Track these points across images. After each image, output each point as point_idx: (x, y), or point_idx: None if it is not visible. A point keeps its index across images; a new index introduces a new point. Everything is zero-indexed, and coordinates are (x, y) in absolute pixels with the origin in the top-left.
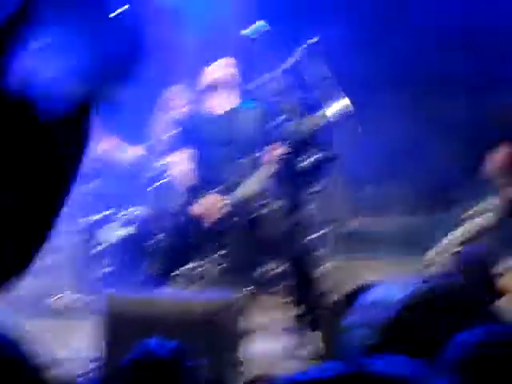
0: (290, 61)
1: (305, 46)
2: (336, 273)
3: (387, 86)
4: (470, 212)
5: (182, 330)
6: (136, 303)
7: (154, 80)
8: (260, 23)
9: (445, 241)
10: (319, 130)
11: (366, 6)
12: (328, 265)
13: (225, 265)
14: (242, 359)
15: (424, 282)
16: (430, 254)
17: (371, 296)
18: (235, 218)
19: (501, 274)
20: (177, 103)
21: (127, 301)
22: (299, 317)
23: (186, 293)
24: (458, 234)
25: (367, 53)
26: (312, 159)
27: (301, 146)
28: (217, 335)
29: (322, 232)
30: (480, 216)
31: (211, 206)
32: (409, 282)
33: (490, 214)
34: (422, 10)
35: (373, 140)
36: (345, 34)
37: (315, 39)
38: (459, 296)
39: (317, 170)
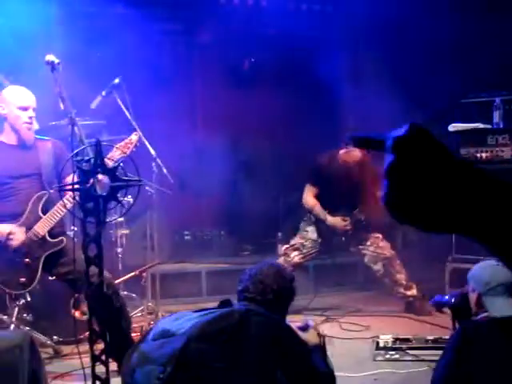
0: (97, 99)
1: (110, 85)
2: (151, 313)
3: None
4: (285, 247)
5: None
6: None
7: None
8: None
9: None
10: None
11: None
12: (143, 306)
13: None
14: None
15: (206, 313)
16: None
17: (159, 327)
18: (34, 254)
19: None
20: None
21: None
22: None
23: None
24: None
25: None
26: (108, 185)
27: (98, 174)
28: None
29: (134, 273)
30: (295, 250)
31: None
32: (195, 313)
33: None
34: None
35: (192, 183)
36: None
37: (117, 80)
38: (238, 325)
39: (115, 197)
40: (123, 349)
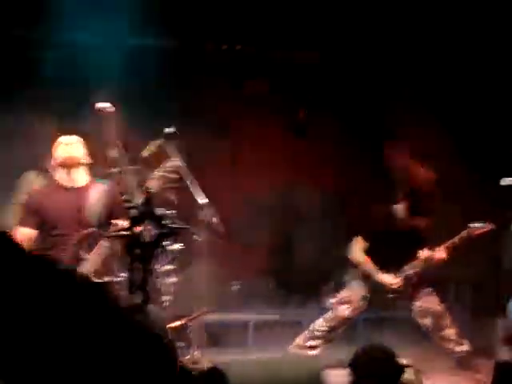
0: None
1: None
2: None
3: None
4: (334, 300)
5: None
6: None
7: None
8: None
9: (306, 332)
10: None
11: None
12: (189, 356)
13: None
14: None
15: None
16: (294, 345)
17: None
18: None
19: None
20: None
21: None
22: None
23: None
24: (320, 323)
25: None
26: (155, 232)
27: (146, 221)
28: None
29: (181, 322)
30: (344, 304)
31: None
32: None
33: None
34: None
35: (241, 233)
36: None
37: (172, 129)
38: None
39: (162, 244)
40: None
